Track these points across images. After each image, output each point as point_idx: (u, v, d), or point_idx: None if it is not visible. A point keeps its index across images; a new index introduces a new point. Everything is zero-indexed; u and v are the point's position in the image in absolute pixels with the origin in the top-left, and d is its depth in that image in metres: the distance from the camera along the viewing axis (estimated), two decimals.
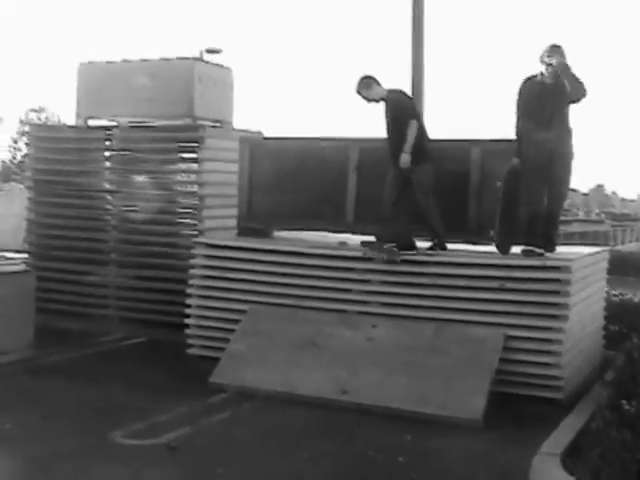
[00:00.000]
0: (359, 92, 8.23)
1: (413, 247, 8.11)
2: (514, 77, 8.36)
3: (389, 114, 8.14)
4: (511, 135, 8.13)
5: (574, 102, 7.94)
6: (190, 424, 6.68)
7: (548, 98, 7.88)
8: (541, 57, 7.95)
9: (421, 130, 8.16)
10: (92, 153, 10.96)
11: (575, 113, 8.01)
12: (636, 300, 10.76)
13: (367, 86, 8.19)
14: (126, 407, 7.15)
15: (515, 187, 7.93)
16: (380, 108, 8.24)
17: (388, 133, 8.15)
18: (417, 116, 8.29)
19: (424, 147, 8.08)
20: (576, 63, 7.93)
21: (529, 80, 8.06)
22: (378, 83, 8.22)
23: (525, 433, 6.54)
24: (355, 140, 9.04)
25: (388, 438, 6.53)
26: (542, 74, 7.96)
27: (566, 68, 7.84)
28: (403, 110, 8.12)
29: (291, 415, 7.05)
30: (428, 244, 8.39)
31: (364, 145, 8.95)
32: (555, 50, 7.89)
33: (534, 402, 7.23)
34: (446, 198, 8.45)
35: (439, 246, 8.19)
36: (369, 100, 8.24)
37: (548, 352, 7.33)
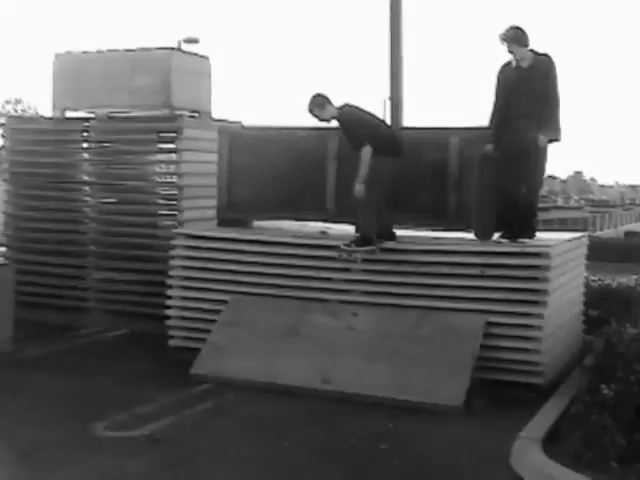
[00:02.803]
0: (311, 111, 8.00)
1: (392, 237, 8.11)
2: (494, 63, 8.30)
3: (343, 132, 8.09)
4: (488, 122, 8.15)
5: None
6: (172, 415, 6.68)
7: (524, 83, 7.88)
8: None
9: (379, 127, 8.11)
10: (70, 145, 10.89)
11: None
12: (615, 285, 10.84)
13: (320, 105, 7.96)
14: (108, 399, 7.14)
15: (489, 173, 7.94)
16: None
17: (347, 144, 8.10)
18: (370, 128, 8.00)
19: (383, 142, 7.88)
20: (558, 54, 7.94)
21: (506, 66, 8.06)
22: (330, 102, 7.99)
23: (506, 419, 6.58)
24: (334, 129, 8.99)
25: (370, 426, 6.56)
26: (517, 60, 7.96)
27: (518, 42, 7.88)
28: (355, 128, 7.92)
29: (273, 404, 7.06)
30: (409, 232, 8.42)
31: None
32: (502, 37, 7.91)
33: (515, 388, 7.27)
34: (425, 186, 8.48)
35: (358, 242, 7.91)
36: (321, 119, 8.05)
37: (528, 338, 7.37)
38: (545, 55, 7.97)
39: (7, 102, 49.46)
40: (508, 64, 8.04)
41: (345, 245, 7.88)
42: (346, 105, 8.06)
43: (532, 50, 7.96)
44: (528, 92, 7.84)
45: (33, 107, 48.37)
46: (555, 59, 7.92)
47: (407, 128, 9.49)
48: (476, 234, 8.07)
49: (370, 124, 8.07)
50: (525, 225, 8.02)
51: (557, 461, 5.43)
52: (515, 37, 7.89)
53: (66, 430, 6.31)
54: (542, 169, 8.20)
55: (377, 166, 7.76)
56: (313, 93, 8.01)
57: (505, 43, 7.91)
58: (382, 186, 7.85)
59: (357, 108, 8.11)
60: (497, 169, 7.91)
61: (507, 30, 7.90)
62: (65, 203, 10.70)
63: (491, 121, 8.07)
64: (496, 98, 8.06)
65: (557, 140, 8.00)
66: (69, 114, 10.90)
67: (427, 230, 8.85)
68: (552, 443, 5.81)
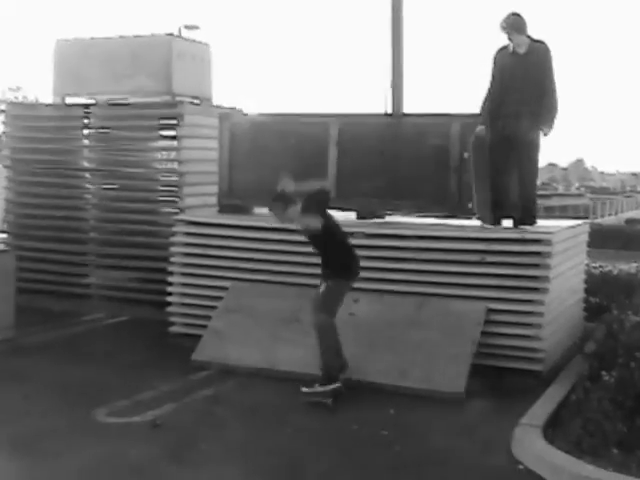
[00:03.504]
0: (271, 210, 7.08)
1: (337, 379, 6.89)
2: (495, 49, 8.28)
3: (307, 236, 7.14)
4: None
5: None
6: (174, 401, 6.69)
7: (520, 69, 7.88)
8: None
9: (343, 244, 7.08)
10: (70, 131, 10.87)
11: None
12: (616, 272, 10.85)
13: (283, 208, 6.89)
14: (110, 385, 7.16)
15: (482, 155, 7.93)
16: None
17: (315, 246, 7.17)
18: (332, 227, 7.02)
19: (346, 258, 7.04)
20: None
21: (502, 50, 8.05)
22: (294, 202, 6.86)
23: (507, 405, 6.60)
24: (335, 116, 9.01)
25: (371, 412, 6.57)
26: (514, 46, 7.95)
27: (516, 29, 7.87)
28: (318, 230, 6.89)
29: (274, 391, 7.06)
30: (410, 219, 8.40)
31: (344, 120, 8.92)
32: (502, 25, 7.90)
33: (516, 374, 7.28)
34: (427, 173, 8.48)
35: (322, 381, 6.82)
36: (282, 222, 7.20)
37: (529, 325, 7.37)
38: (541, 42, 7.98)
39: (9, 89, 49.27)
40: (504, 48, 8.04)
41: (307, 388, 6.81)
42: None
43: (528, 36, 7.96)
44: (523, 78, 7.85)
45: (33, 94, 48.21)
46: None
47: (408, 115, 9.48)
48: (479, 219, 8.07)
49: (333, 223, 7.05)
50: (525, 212, 8.02)
51: (558, 447, 5.44)
52: (515, 24, 7.91)
53: (68, 416, 6.32)
54: (536, 155, 8.15)
55: (333, 288, 6.93)
56: (279, 193, 6.96)
57: (505, 31, 7.91)
58: (335, 307, 6.95)
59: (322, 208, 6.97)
60: (490, 152, 7.89)
61: (507, 17, 7.91)
62: (66, 190, 10.70)
63: (484, 103, 8.05)
64: (491, 81, 8.05)
65: (551, 128, 8.00)
66: (69, 100, 10.88)
67: (428, 216, 8.86)
68: (553, 429, 5.82)
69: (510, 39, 7.95)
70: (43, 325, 9.33)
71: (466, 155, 8.00)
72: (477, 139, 7.98)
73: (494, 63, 8.08)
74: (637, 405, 5.74)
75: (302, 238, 8.15)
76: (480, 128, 7.96)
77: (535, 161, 8.15)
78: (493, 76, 8.06)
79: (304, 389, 6.78)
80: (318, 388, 6.76)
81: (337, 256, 7.01)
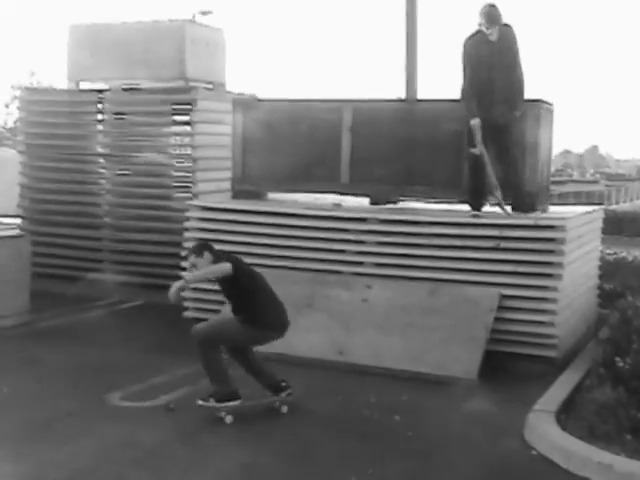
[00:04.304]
0: (188, 257, 6.62)
1: (281, 389, 6.42)
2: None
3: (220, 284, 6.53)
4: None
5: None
6: (188, 385, 6.72)
7: (496, 57, 7.81)
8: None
9: (265, 294, 6.42)
10: (84, 116, 10.89)
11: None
12: (630, 259, 10.81)
13: (199, 253, 6.35)
14: (123, 369, 7.20)
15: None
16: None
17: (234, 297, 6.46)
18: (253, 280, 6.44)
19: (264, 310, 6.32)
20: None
21: (473, 38, 7.94)
22: (211, 251, 6.39)
23: (520, 391, 6.60)
24: (349, 101, 9.00)
25: (384, 397, 6.58)
26: (485, 31, 7.86)
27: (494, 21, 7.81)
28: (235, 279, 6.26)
29: (287, 376, 7.04)
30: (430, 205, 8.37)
31: (358, 106, 8.91)
32: (481, 17, 7.83)
33: (529, 360, 7.27)
34: (440, 158, 8.45)
35: (217, 396, 6.11)
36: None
37: (543, 311, 7.35)
38: (507, 25, 7.92)
39: (31, 74, 49.26)
40: (474, 36, 7.92)
41: (203, 400, 6.10)
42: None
43: None
44: (500, 64, 7.81)
45: (48, 80, 48.23)
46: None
47: (422, 100, 9.45)
48: (496, 203, 8.04)
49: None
50: (519, 198, 7.97)
51: (571, 433, 5.44)
52: (491, 15, 7.82)
53: (82, 400, 6.36)
54: (514, 140, 8.05)
55: (240, 329, 6.23)
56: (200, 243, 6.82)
57: (485, 24, 7.81)
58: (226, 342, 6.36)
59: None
60: (469, 141, 7.85)
61: (483, 9, 7.83)
62: (80, 175, 10.75)
63: (463, 93, 7.97)
64: (465, 71, 7.93)
65: (521, 109, 8.00)
66: (83, 86, 10.91)
67: (442, 202, 8.84)
68: (566, 416, 5.82)
69: (486, 29, 7.85)
70: (58, 309, 9.38)
71: (474, 150, 7.87)
72: (472, 130, 7.89)
73: (465, 52, 7.95)
74: None
75: (316, 224, 8.20)
76: (476, 120, 7.85)
77: (515, 145, 8.07)
78: (466, 65, 7.93)
79: (199, 402, 6.07)
80: (212, 403, 6.07)
81: (252, 305, 6.27)
